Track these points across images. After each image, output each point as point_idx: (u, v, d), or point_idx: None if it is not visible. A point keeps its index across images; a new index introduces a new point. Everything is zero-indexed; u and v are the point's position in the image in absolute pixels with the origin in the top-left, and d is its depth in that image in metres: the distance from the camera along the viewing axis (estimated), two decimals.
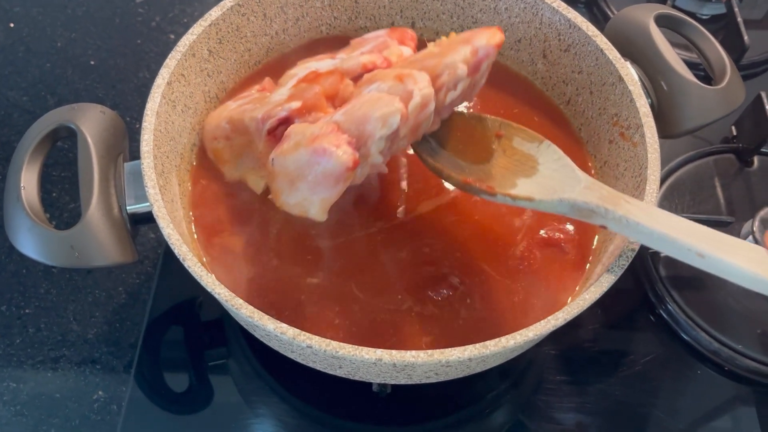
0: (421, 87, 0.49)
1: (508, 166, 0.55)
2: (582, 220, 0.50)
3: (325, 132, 0.48)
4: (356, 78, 0.56)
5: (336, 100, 0.55)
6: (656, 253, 0.69)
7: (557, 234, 0.59)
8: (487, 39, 0.52)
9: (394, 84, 0.50)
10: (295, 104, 0.54)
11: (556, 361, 0.65)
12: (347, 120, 0.49)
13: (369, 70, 0.55)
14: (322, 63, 0.59)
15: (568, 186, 0.50)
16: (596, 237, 0.59)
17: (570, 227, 0.59)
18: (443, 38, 0.56)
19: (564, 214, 0.50)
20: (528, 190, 0.52)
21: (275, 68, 0.65)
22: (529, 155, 0.55)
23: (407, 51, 0.59)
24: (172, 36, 0.87)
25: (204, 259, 0.56)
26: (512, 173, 0.54)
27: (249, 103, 0.58)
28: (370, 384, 0.60)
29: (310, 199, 0.50)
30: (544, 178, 0.52)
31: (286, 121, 0.54)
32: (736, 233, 0.70)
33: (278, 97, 0.55)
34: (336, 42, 0.67)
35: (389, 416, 0.62)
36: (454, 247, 0.58)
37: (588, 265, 0.58)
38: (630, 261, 0.50)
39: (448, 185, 0.61)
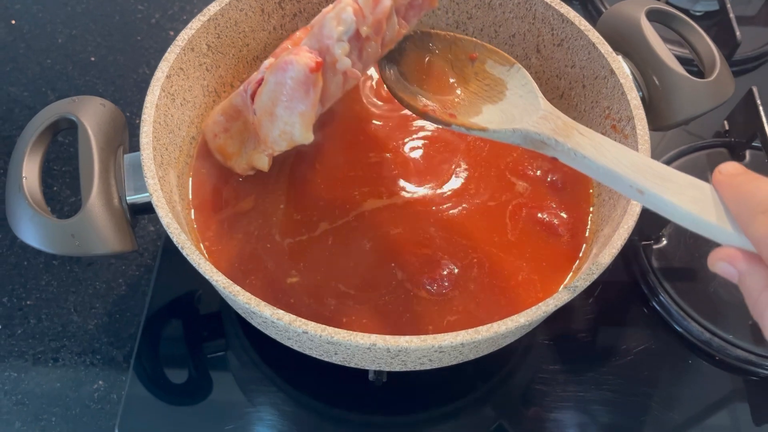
0: (338, 46, 0.49)
1: (478, 92, 0.55)
2: (535, 151, 0.50)
3: (287, 53, 0.49)
4: None
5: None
6: (649, 245, 0.70)
7: (553, 219, 0.60)
8: None
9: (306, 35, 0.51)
10: (269, 61, 0.54)
11: (551, 351, 0.66)
12: (308, 38, 0.49)
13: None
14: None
15: (527, 114, 0.50)
16: (589, 218, 0.60)
17: (564, 215, 0.60)
18: None
19: (517, 144, 0.50)
20: (487, 119, 0.52)
21: None
22: (499, 79, 0.55)
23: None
24: (172, 33, 0.88)
25: (203, 248, 0.57)
26: (480, 99, 0.54)
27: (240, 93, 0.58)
28: (366, 373, 0.61)
29: (290, 121, 0.51)
30: (508, 104, 0.52)
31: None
32: None
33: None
34: None
35: (385, 405, 0.63)
36: (451, 231, 0.59)
37: (582, 250, 0.59)
38: (620, 248, 0.51)
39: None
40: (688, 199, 0.41)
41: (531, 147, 0.49)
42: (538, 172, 0.63)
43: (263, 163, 0.58)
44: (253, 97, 0.54)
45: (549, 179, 0.62)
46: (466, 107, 0.54)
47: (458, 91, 0.55)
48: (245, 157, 0.59)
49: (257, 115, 0.52)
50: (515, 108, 0.52)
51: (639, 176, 0.43)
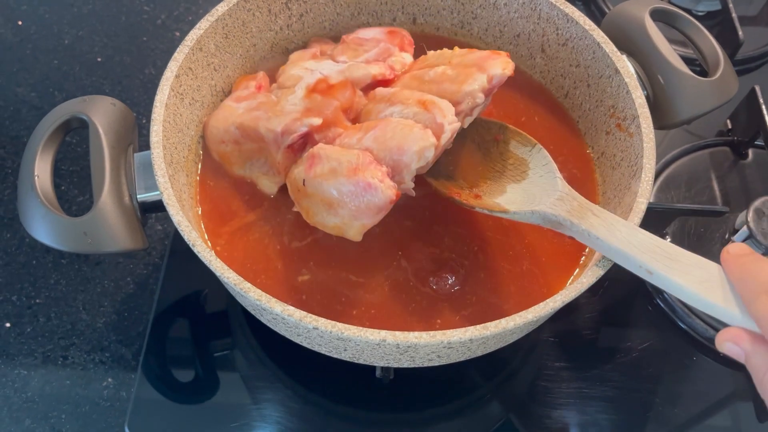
0: (450, 121, 0.52)
1: (503, 171, 0.57)
2: (555, 230, 0.52)
3: (363, 163, 0.51)
4: (365, 88, 0.59)
5: (350, 112, 0.58)
6: None
7: None
8: (501, 68, 0.54)
9: (419, 111, 0.53)
10: (316, 121, 0.55)
11: (556, 349, 0.67)
12: (381, 149, 0.52)
13: (378, 81, 0.59)
14: (322, 65, 0.60)
15: (545, 195, 0.53)
16: None
17: None
18: (446, 51, 0.59)
19: (537, 224, 0.53)
20: (510, 199, 0.54)
21: (280, 64, 0.67)
22: (522, 159, 0.57)
23: (408, 58, 0.62)
24: (178, 33, 0.89)
25: (211, 246, 0.58)
26: (505, 178, 0.57)
27: (258, 109, 0.59)
28: (373, 370, 0.62)
29: (349, 224, 0.53)
30: (530, 184, 0.55)
31: (306, 136, 0.56)
32: (731, 223, 0.72)
33: (292, 106, 0.57)
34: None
35: (392, 402, 0.64)
36: (458, 227, 0.60)
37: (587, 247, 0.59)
38: None
39: None
40: (695, 280, 0.44)
41: (549, 226, 0.52)
42: None
43: (270, 189, 0.60)
44: (293, 149, 0.56)
45: None
46: (492, 186, 0.57)
47: (484, 170, 0.58)
48: (248, 172, 0.60)
49: (306, 188, 0.54)
50: (536, 187, 0.54)
51: (648, 257, 0.46)
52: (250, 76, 0.64)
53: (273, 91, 0.61)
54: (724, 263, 0.43)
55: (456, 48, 0.60)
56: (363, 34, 0.65)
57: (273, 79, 0.65)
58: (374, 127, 0.53)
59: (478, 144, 0.60)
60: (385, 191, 0.50)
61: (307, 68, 0.60)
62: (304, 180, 0.54)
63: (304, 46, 0.69)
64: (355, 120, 0.58)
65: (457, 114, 0.54)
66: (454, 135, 0.53)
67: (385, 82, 0.60)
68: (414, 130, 0.52)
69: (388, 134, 0.52)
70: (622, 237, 0.48)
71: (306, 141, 0.56)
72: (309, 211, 0.55)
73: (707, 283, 0.43)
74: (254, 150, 0.59)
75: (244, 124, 0.58)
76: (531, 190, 0.54)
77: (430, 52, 0.61)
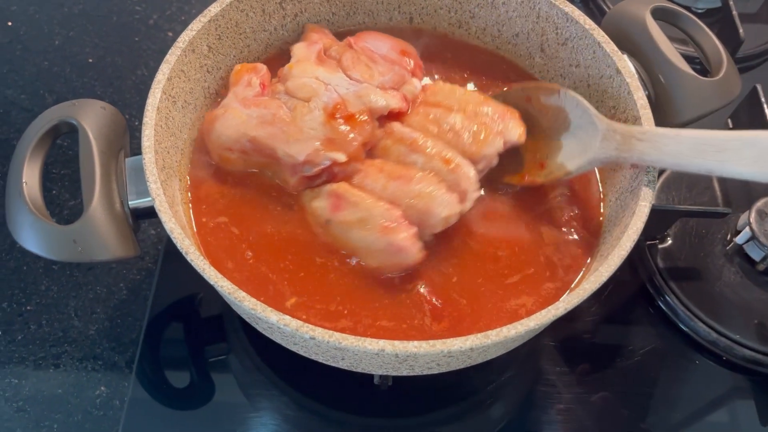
0: (474, 189, 0.56)
1: (550, 125, 0.60)
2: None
3: (394, 221, 0.53)
4: (380, 118, 0.59)
5: (367, 145, 0.58)
6: (654, 245, 0.70)
7: (564, 215, 0.60)
8: (518, 135, 0.58)
9: (444, 169, 0.55)
10: (341, 158, 0.55)
11: (556, 353, 0.66)
12: (409, 206, 0.54)
13: (394, 114, 0.59)
14: (336, 79, 0.58)
15: (592, 137, 0.56)
16: (600, 218, 0.60)
17: (576, 211, 0.60)
18: (456, 89, 0.60)
19: (597, 167, 0.57)
20: (568, 155, 0.58)
21: (274, 65, 0.66)
22: (558, 108, 0.59)
23: (418, 85, 0.62)
24: (170, 33, 0.88)
25: (205, 253, 0.57)
26: (555, 131, 0.59)
27: (273, 124, 0.57)
28: (371, 376, 0.61)
29: (366, 263, 0.55)
30: (576, 128, 0.58)
31: (326, 168, 0.56)
32: (733, 224, 0.71)
33: (311, 131, 0.56)
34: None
35: (390, 408, 0.63)
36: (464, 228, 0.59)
37: (593, 250, 0.58)
38: (629, 250, 0.50)
39: None
40: (749, 162, 0.47)
41: (609, 166, 0.57)
42: None
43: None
44: (309, 177, 0.57)
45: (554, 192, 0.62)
46: (549, 144, 0.60)
47: (536, 134, 0.60)
48: (247, 170, 0.60)
49: (331, 227, 0.56)
50: (582, 130, 0.57)
51: (700, 160, 0.50)
52: (250, 67, 0.61)
53: (279, 93, 0.59)
54: None
55: (466, 91, 0.60)
56: (373, 45, 0.63)
57: (273, 72, 0.62)
58: (399, 178, 0.55)
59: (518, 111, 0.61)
60: (416, 255, 0.53)
61: (320, 80, 0.58)
62: (328, 220, 0.55)
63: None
64: (371, 152, 0.58)
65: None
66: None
67: (400, 114, 0.60)
68: (441, 194, 0.54)
69: (415, 191, 0.54)
70: (671, 150, 0.51)
71: (323, 171, 0.56)
72: (333, 246, 0.56)
73: (762, 160, 0.46)
74: (261, 162, 0.58)
75: (258, 140, 0.57)
76: (579, 135, 0.57)
77: (439, 83, 0.61)
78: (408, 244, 0.53)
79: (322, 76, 0.59)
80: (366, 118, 0.57)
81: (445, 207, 0.54)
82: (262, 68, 0.61)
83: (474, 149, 0.57)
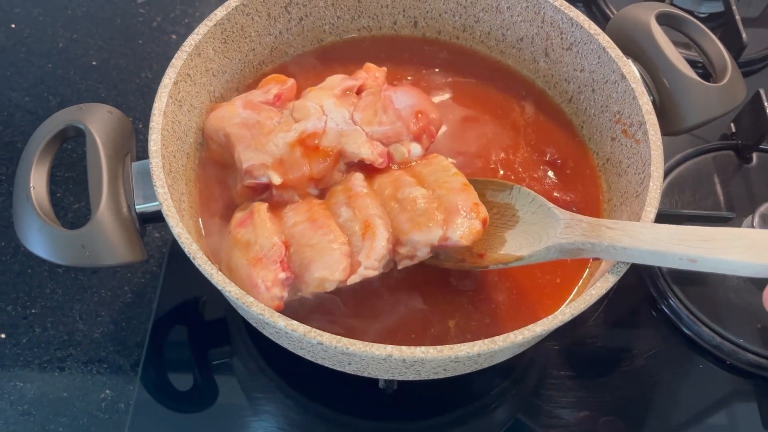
0: (367, 266, 0.50)
1: (493, 222, 0.55)
2: (576, 259, 0.51)
3: (268, 259, 0.50)
4: (352, 165, 0.56)
5: (320, 182, 0.56)
6: None
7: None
8: (459, 236, 0.51)
9: (358, 232, 0.51)
10: (276, 180, 0.55)
11: (559, 357, 0.66)
12: (297, 251, 0.51)
13: (368, 166, 0.56)
14: (336, 113, 0.57)
15: (550, 228, 0.51)
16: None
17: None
18: (449, 167, 0.55)
19: (556, 259, 0.51)
20: (514, 246, 0.53)
21: (280, 68, 0.66)
22: (506, 204, 0.55)
23: (416, 149, 0.58)
24: (174, 36, 0.88)
25: (212, 258, 0.57)
26: (498, 229, 0.55)
27: (251, 128, 0.57)
28: (376, 380, 0.61)
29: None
30: (526, 224, 0.53)
31: (265, 186, 0.56)
32: None
33: (274, 147, 0.55)
34: (348, 48, 0.69)
35: (395, 412, 0.63)
36: None
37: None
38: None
39: None
40: (740, 251, 0.42)
41: (569, 257, 0.51)
42: (546, 186, 0.63)
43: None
44: (251, 189, 0.56)
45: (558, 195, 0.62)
46: (490, 241, 0.54)
47: None
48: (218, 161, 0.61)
49: (228, 237, 0.55)
50: (534, 226, 0.52)
51: (684, 248, 0.45)
52: (280, 79, 0.61)
53: (287, 109, 0.59)
54: None
55: (456, 173, 0.55)
56: (397, 99, 0.59)
57: (299, 93, 0.61)
58: (312, 221, 0.52)
59: None
60: (266, 300, 0.49)
61: (321, 108, 0.57)
62: (229, 230, 0.54)
63: (304, 50, 0.68)
64: (323, 191, 0.56)
65: (394, 254, 0.52)
66: (370, 275, 0.51)
67: (372, 168, 0.56)
68: (332, 254, 0.50)
69: (313, 240, 0.51)
70: (648, 239, 0.46)
71: (266, 187, 0.56)
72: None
73: (754, 249, 0.42)
74: (230, 160, 0.59)
75: (229, 136, 0.57)
76: (530, 230, 0.52)
77: (440, 158, 0.57)
78: (262, 285, 0.49)
79: (327, 106, 0.57)
80: (328, 155, 0.55)
81: (325, 269, 0.49)
82: (290, 82, 0.61)
83: (406, 228, 0.52)
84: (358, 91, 0.60)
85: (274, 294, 0.49)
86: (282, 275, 0.50)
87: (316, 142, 0.55)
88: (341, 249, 0.50)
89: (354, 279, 0.50)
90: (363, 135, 0.56)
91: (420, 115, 0.58)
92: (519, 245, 0.52)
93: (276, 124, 0.57)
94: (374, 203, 0.53)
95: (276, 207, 0.55)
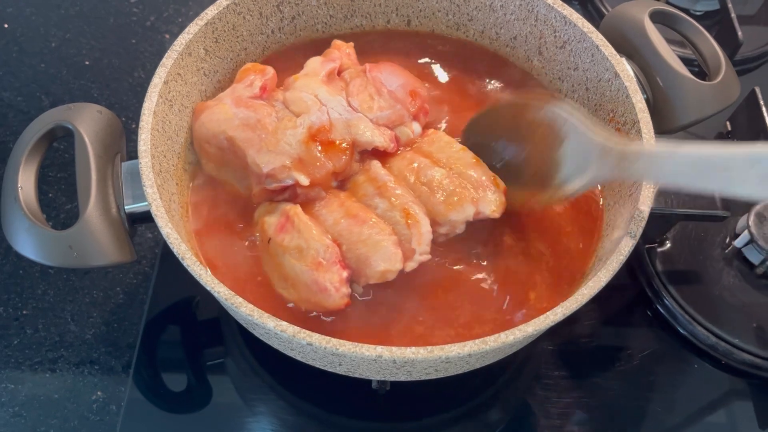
0: (422, 251, 0.53)
1: (544, 140, 0.55)
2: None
3: (328, 261, 0.51)
4: (364, 152, 0.57)
5: (339, 175, 0.56)
6: (653, 248, 0.69)
7: (563, 219, 0.60)
8: (491, 210, 0.55)
9: (401, 221, 0.53)
10: (304, 181, 0.54)
11: (554, 357, 0.66)
12: (350, 249, 0.52)
13: (380, 152, 0.58)
14: (333, 101, 0.57)
15: (589, 152, 0.52)
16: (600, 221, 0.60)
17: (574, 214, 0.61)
18: (453, 143, 0.58)
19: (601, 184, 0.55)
20: (567, 175, 0.54)
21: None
22: (550, 123, 0.55)
23: (417, 128, 0.60)
24: (167, 35, 0.87)
25: (202, 257, 0.56)
26: (551, 148, 0.55)
27: (254, 128, 0.56)
28: (369, 381, 0.60)
29: (288, 294, 0.53)
30: (572, 142, 0.54)
31: (289, 187, 0.55)
32: (732, 227, 0.71)
33: (287, 146, 0.55)
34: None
35: (388, 413, 0.62)
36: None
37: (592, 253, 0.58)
38: (628, 255, 0.50)
39: None
40: (756, 181, 0.43)
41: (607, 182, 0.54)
42: None
43: (243, 192, 0.59)
44: (272, 191, 0.55)
45: None
46: (546, 164, 0.55)
47: (533, 152, 0.57)
48: (220, 175, 0.59)
49: (270, 248, 0.54)
50: (577, 143, 0.53)
51: (704, 182, 0.46)
52: (259, 68, 0.60)
53: (277, 101, 0.58)
54: None
55: (462, 148, 0.58)
56: (385, 77, 0.60)
57: (280, 81, 0.61)
58: (353, 217, 0.53)
59: (514, 131, 0.58)
60: (337, 300, 0.51)
61: (318, 99, 0.57)
62: (270, 238, 0.54)
63: (297, 50, 0.68)
64: (343, 183, 0.57)
65: (434, 232, 0.54)
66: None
67: (385, 153, 0.58)
68: (386, 246, 0.52)
69: (363, 236, 0.52)
70: (670, 172, 0.48)
71: (286, 187, 0.55)
72: (270, 276, 0.55)
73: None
74: (234, 162, 0.57)
75: (234, 141, 0.56)
76: (576, 148, 0.53)
77: (440, 134, 0.59)
78: (331, 288, 0.51)
79: (322, 95, 0.57)
80: (346, 148, 0.56)
81: (385, 261, 0.51)
82: (270, 71, 0.60)
83: (442, 210, 0.54)
84: (339, 72, 0.61)
85: (343, 293, 0.51)
86: (344, 274, 0.52)
87: (329, 136, 0.55)
88: (392, 240, 0.52)
89: (411, 266, 0.53)
90: (368, 122, 0.57)
91: (414, 95, 0.60)
92: (569, 171, 0.54)
93: (276, 121, 0.56)
94: (406, 191, 0.55)
95: (304, 206, 0.55)
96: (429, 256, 0.53)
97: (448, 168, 0.56)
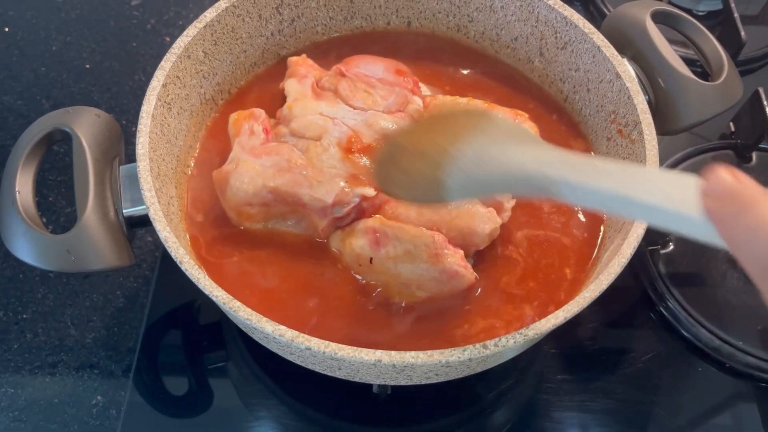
0: (508, 198, 0.56)
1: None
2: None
3: (440, 246, 0.52)
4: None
5: None
6: (656, 250, 0.69)
7: (565, 222, 0.60)
8: (530, 126, 0.57)
9: None
10: (370, 192, 0.54)
11: (557, 360, 0.65)
12: (450, 228, 0.53)
13: None
14: (339, 111, 0.57)
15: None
16: (601, 227, 0.59)
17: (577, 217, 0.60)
18: (457, 100, 0.60)
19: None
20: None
21: (271, 70, 0.65)
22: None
23: (419, 102, 0.60)
24: (168, 38, 0.87)
25: (200, 261, 0.56)
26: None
27: (291, 170, 0.54)
28: (370, 385, 0.60)
29: (432, 296, 0.54)
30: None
31: (354, 207, 0.54)
32: None
33: (331, 169, 0.54)
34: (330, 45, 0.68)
35: (389, 417, 0.62)
36: None
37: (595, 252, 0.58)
38: (630, 257, 0.50)
39: None
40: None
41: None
42: None
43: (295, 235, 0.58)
44: (338, 217, 0.54)
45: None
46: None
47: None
48: (268, 226, 0.57)
49: (374, 265, 0.54)
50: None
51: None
52: (248, 114, 0.58)
53: (284, 136, 0.57)
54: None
55: (470, 100, 0.59)
56: (366, 69, 0.61)
57: (270, 113, 0.60)
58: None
59: None
60: (470, 277, 0.53)
61: (325, 115, 0.57)
62: (371, 258, 0.53)
63: (297, 52, 0.67)
64: None
65: (465, 250, 0.54)
66: None
67: None
68: (478, 209, 0.53)
69: (453, 212, 0.53)
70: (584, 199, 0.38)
71: (353, 208, 0.54)
72: (389, 290, 0.54)
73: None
74: (284, 210, 0.56)
75: (279, 189, 0.54)
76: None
77: (440, 97, 0.60)
78: (461, 269, 0.52)
79: (326, 110, 0.57)
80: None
81: (487, 222, 0.53)
82: (261, 113, 0.58)
83: None
84: (318, 85, 0.61)
85: (470, 269, 0.53)
86: (461, 251, 0.53)
87: (362, 142, 0.55)
88: (477, 202, 0.54)
89: (505, 216, 0.56)
90: (383, 114, 0.58)
91: (401, 73, 0.61)
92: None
93: (303, 153, 0.55)
94: None
95: (378, 214, 0.55)
96: (514, 201, 0.56)
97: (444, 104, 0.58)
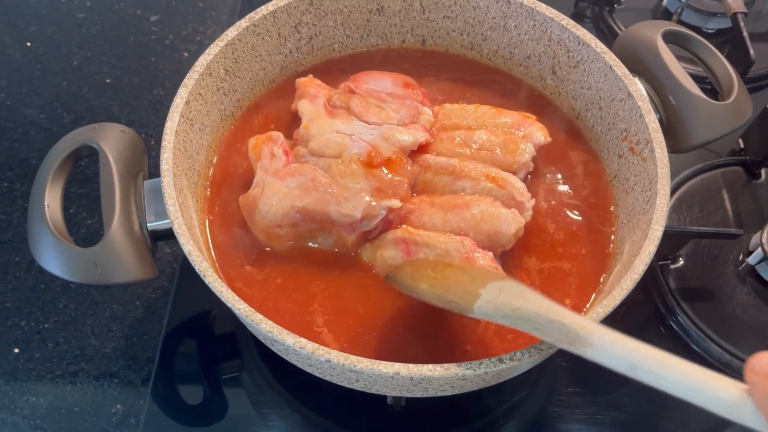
0: (528, 198, 0.57)
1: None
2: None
3: (469, 251, 0.53)
4: (410, 154, 0.59)
5: (411, 183, 0.59)
6: (666, 265, 0.70)
7: (576, 237, 0.61)
8: (543, 137, 0.60)
9: (493, 187, 0.57)
10: (396, 204, 0.55)
11: (568, 373, 0.66)
12: (476, 232, 0.55)
13: (422, 146, 0.60)
14: (356, 128, 0.58)
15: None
16: (611, 238, 0.60)
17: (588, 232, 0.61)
18: (466, 107, 0.62)
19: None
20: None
21: (289, 86, 0.67)
22: None
23: (430, 112, 0.62)
24: (186, 54, 0.89)
25: (222, 273, 0.57)
26: None
27: (316, 189, 0.55)
28: (385, 397, 0.61)
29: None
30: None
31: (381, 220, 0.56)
32: (745, 244, 0.71)
33: (356, 184, 0.55)
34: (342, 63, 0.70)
35: (404, 429, 0.63)
36: None
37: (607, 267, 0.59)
38: (642, 273, 0.51)
39: None
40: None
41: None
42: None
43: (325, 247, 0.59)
44: (367, 233, 0.56)
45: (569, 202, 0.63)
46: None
47: None
48: (296, 244, 0.58)
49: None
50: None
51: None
52: (266, 138, 0.59)
53: (304, 156, 0.58)
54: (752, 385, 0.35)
55: (476, 106, 0.62)
56: (375, 85, 0.63)
57: (287, 134, 0.61)
58: (455, 207, 0.55)
59: None
60: (503, 276, 0.51)
61: (342, 132, 0.58)
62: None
63: (313, 69, 0.69)
64: (413, 188, 0.59)
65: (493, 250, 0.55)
66: None
67: (426, 145, 0.60)
68: (502, 211, 0.55)
69: (477, 215, 0.55)
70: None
71: (380, 221, 0.56)
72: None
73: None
74: (313, 229, 0.57)
75: (308, 209, 0.55)
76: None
77: (447, 106, 0.62)
78: (492, 270, 0.52)
79: (342, 128, 0.59)
80: (401, 157, 0.57)
81: (511, 223, 0.54)
82: (279, 136, 0.59)
83: (510, 160, 0.58)
84: (329, 104, 0.62)
85: (501, 270, 0.55)
86: (490, 254, 0.54)
87: (382, 155, 0.57)
88: (500, 205, 0.55)
89: (528, 215, 0.57)
90: (399, 127, 0.59)
91: (409, 85, 0.63)
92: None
93: (325, 171, 0.57)
94: (473, 163, 0.58)
95: (405, 224, 0.56)
96: (534, 201, 0.58)
97: (484, 127, 0.60)
